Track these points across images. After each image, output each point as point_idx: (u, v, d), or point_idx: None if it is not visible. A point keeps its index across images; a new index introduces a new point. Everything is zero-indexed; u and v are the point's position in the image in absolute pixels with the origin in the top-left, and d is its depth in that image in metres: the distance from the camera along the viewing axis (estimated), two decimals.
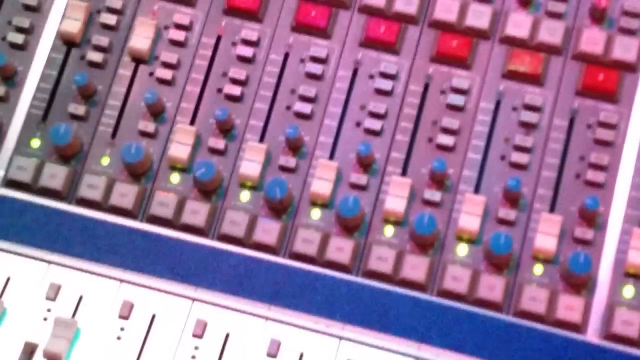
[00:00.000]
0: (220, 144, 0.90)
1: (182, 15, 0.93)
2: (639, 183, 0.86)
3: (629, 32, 0.90)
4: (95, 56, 0.93)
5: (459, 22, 0.91)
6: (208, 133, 0.90)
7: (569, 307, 0.83)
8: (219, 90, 0.92)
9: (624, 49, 0.89)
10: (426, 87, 0.91)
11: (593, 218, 0.85)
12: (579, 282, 0.83)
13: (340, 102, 0.91)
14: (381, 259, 0.85)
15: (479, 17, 0.91)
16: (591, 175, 0.86)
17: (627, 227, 0.85)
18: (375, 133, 0.89)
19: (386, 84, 0.90)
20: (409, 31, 0.92)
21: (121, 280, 0.86)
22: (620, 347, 0.82)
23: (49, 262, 0.87)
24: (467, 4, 0.91)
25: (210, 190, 0.89)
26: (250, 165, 0.88)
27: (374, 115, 0.90)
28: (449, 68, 0.91)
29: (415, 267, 0.85)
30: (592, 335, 0.83)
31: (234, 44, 0.93)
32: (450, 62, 0.91)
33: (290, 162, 0.89)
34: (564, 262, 0.84)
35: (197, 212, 0.87)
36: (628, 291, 0.84)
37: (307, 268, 0.86)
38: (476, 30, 0.91)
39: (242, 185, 0.89)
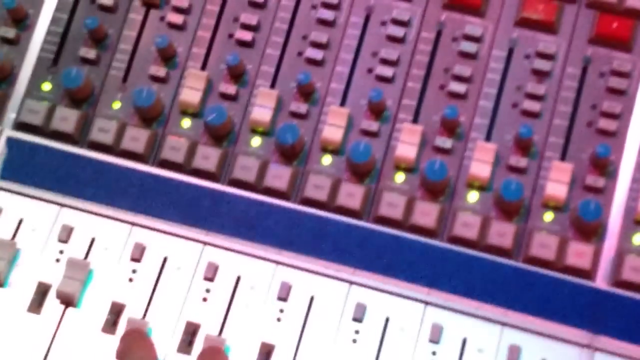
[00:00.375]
0: (231, 89, 0.90)
1: None
2: None
3: None
4: None
5: None
6: (219, 78, 0.90)
7: (578, 253, 0.83)
8: (231, 36, 0.91)
9: None
10: (439, 34, 0.90)
11: (604, 166, 0.85)
12: (589, 229, 0.84)
13: (352, 48, 0.90)
14: (392, 205, 0.85)
15: None
16: (603, 123, 0.86)
17: (638, 175, 0.85)
18: (387, 80, 0.89)
19: (398, 31, 0.90)
20: None
21: (132, 224, 0.86)
22: (629, 294, 0.82)
23: (61, 205, 0.87)
24: None
25: (221, 135, 0.88)
26: (262, 110, 0.88)
27: (386, 62, 0.90)
28: (462, 15, 0.90)
29: (426, 213, 0.85)
30: (601, 281, 0.83)
31: None
32: (464, 9, 0.90)
33: (302, 108, 0.89)
34: (575, 209, 0.84)
35: (208, 157, 0.87)
36: (638, 238, 0.84)
37: (318, 213, 0.86)
38: None
39: (253, 131, 0.89)
